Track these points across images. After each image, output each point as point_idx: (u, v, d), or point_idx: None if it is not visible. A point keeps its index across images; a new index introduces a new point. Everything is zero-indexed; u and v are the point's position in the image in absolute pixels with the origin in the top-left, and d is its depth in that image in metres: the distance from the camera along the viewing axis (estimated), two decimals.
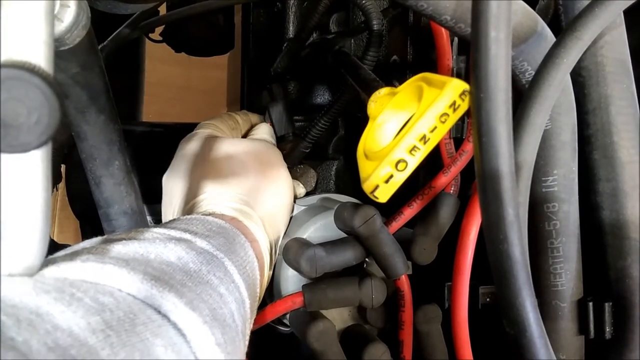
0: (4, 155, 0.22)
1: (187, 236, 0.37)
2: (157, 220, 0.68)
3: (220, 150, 0.51)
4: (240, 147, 0.52)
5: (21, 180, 0.23)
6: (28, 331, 0.21)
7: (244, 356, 0.36)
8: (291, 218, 0.56)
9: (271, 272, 0.50)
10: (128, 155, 0.48)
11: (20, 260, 0.24)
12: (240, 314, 0.35)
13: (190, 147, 0.52)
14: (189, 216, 0.43)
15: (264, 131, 0.59)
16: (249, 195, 0.48)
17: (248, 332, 0.38)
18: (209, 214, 0.44)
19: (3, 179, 0.23)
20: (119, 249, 0.31)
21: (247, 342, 0.37)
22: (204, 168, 0.49)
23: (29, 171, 0.23)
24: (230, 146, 0.52)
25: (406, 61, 0.60)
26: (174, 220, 0.41)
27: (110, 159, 0.47)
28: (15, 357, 0.20)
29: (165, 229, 0.37)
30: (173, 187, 0.50)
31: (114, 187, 0.48)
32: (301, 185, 0.59)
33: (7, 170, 0.23)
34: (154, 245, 0.33)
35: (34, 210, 0.24)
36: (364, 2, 0.52)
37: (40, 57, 0.23)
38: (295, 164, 0.60)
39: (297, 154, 0.58)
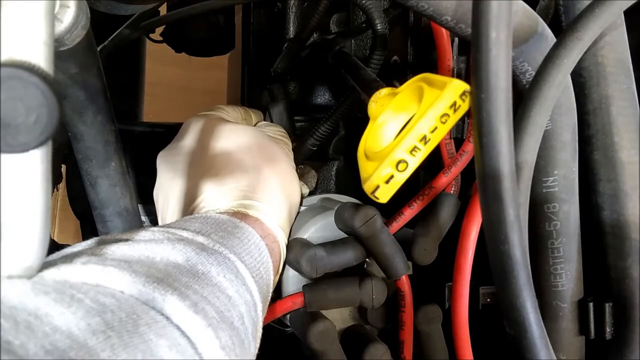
0: (3, 155, 0.22)
1: (199, 238, 0.36)
2: (153, 221, 0.68)
3: (227, 139, 0.49)
4: (248, 137, 0.50)
5: (21, 181, 0.23)
6: (25, 334, 0.21)
7: (254, 358, 0.36)
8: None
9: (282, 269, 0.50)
10: (124, 156, 0.48)
11: (20, 261, 0.24)
12: (250, 316, 0.35)
13: (196, 129, 0.50)
14: (201, 215, 0.42)
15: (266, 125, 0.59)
16: (256, 190, 0.47)
17: (259, 335, 0.38)
18: (221, 212, 0.43)
19: (2, 180, 0.23)
20: (124, 250, 0.31)
21: (257, 345, 0.37)
22: (208, 159, 0.48)
23: (29, 171, 0.23)
24: (238, 135, 0.50)
25: (407, 61, 0.60)
26: (186, 219, 0.41)
27: (107, 160, 0.46)
28: None
29: (177, 229, 0.37)
30: (172, 186, 0.48)
31: (109, 188, 0.47)
32: (305, 185, 0.59)
33: (7, 171, 0.23)
34: (162, 246, 0.33)
35: (33, 211, 0.23)
36: (365, 3, 0.52)
37: (40, 57, 0.23)
38: (301, 162, 0.59)
39: (304, 151, 0.58)
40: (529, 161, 0.43)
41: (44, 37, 0.23)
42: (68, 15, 0.31)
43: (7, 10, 0.22)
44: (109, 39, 0.62)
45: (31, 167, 0.23)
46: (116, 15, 0.43)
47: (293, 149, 0.58)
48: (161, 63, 1.20)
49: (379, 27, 0.52)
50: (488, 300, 0.52)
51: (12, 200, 0.23)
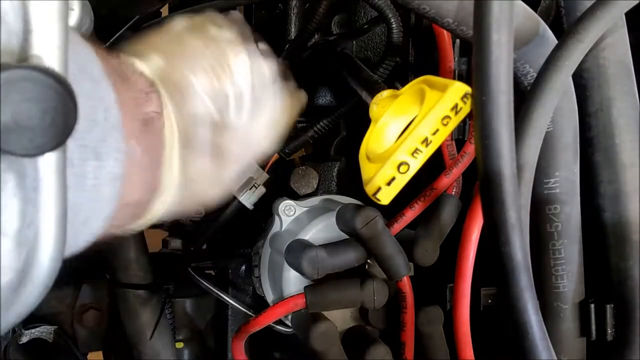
0: (20, 159, 0.22)
1: None
2: None
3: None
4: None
5: (38, 184, 0.23)
6: None
7: None
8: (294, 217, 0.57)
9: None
10: None
11: (36, 261, 0.24)
12: None
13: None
14: None
15: None
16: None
17: None
18: None
19: (20, 183, 0.22)
20: None
21: None
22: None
23: (45, 174, 0.23)
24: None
25: (408, 63, 0.60)
26: None
27: None
28: None
29: None
30: None
31: None
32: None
33: (24, 174, 0.22)
34: None
35: (50, 214, 0.23)
36: (384, 10, 0.52)
37: (55, 60, 0.22)
38: (296, 150, 0.59)
39: (302, 141, 0.58)
40: (530, 163, 0.43)
41: (57, 41, 0.23)
42: (72, 18, 0.31)
43: (22, 14, 0.22)
44: (111, 41, 0.62)
45: (47, 170, 0.23)
46: (118, 17, 0.43)
47: (290, 138, 0.57)
48: None
49: (395, 36, 0.53)
50: (489, 301, 0.52)
51: (29, 203, 0.23)
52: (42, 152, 0.21)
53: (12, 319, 0.25)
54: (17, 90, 0.20)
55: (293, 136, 0.58)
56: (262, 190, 0.59)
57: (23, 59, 0.22)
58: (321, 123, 0.57)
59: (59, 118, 0.21)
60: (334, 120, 0.57)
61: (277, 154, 0.59)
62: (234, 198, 0.58)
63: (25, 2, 0.22)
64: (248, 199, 0.58)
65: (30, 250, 0.24)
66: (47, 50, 0.22)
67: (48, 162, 0.23)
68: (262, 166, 0.59)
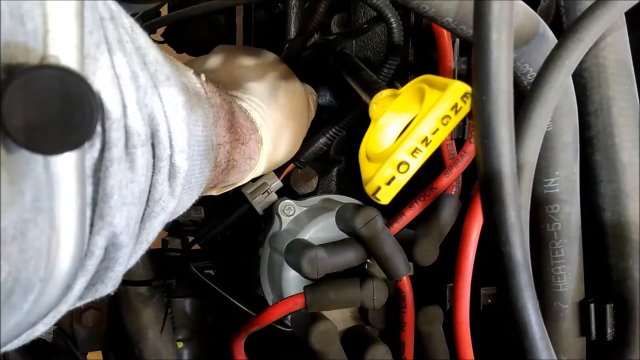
0: (45, 157, 0.22)
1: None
2: None
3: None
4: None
5: (58, 182, 0.23)
6: None
7: None
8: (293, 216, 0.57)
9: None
10: None
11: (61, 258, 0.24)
12: None
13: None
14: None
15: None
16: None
17: None
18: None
19: (45, 179, 0.23)
20: None
21: None
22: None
23: (65, 173, 0.23)
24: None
25: (408, 62, 0.60)
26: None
27: None
28: None
29: None
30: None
31: None
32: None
33: (45, 171, 0.23)
34: None
35: (69, 213, 0.24)
36: (384, 10, 0.52)
37: (73, 60, 0.23)
38: (310, 159, 0.59)
39: (315, 150, 0.58)
40: (530, 162, 0.43)
41: (74, 40, 0.23)
42: None
43: (40, 14, 0.22)
44: None
45: (68, 169, 0.23)
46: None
47: (304, 144, 0.58)
48: None
49: (395, 36, 0.53)
50: (489, 301, 0.52)
51: (49, 201, 0.23)
52: (64, 150, 0.22)
53: (32, 319, 0.25)
54: (39, 90, 0.21)
55: (306, 147, 0.58)
56: (273, 197, 0.59)
57: (42, 59, 0.22)
58: (333, 130, 0.57)
59: (80, 117, 0.21)
60: (346, 126, 0.57)
61: (292, 164, 0.59)
62: (246, 201, 0.59)
63: (43, 2, 0.22)
64: (259, 204, 0.59)
65: (50, 249, 0.24)
66: (65, 49, 0.23)
67: (69, 160, 0.23)
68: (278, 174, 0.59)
